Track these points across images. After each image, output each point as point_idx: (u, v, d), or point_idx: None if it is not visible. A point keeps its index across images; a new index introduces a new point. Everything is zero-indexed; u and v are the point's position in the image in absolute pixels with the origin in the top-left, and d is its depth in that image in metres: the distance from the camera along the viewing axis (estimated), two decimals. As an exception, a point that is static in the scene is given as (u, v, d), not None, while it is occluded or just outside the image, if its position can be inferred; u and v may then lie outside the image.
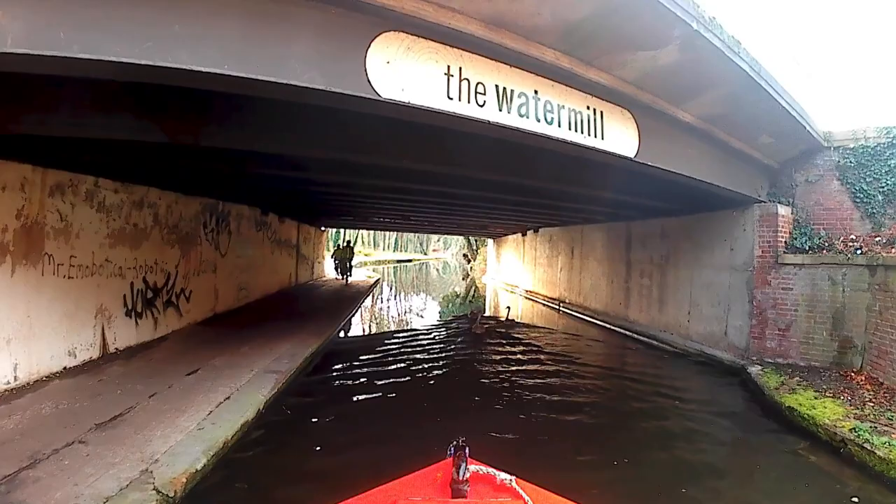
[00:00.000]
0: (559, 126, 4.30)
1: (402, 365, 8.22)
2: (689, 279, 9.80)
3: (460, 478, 1.95)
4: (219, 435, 4.28)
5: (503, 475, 2.04)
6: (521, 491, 1.97)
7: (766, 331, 7.96)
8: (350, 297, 15.58)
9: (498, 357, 9.30)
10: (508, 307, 14.80)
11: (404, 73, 3.39)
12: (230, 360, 6.74)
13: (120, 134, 4.51)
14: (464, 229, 25.72)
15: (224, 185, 8.77)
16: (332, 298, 15.14)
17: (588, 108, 4.58)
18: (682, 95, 5.42)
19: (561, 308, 16.04)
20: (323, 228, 23.43)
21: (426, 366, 8.28)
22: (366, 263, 39.50)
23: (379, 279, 25.84)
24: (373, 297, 19.66)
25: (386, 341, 10.43)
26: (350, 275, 20.90)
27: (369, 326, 13.78)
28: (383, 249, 58.00)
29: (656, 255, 11.00)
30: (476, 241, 36.07)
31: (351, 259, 21.20)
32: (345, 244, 22.74)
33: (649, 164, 5.26)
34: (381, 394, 6.58)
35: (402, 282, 33.36)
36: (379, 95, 3.25)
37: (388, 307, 19.06)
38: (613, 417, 6.03)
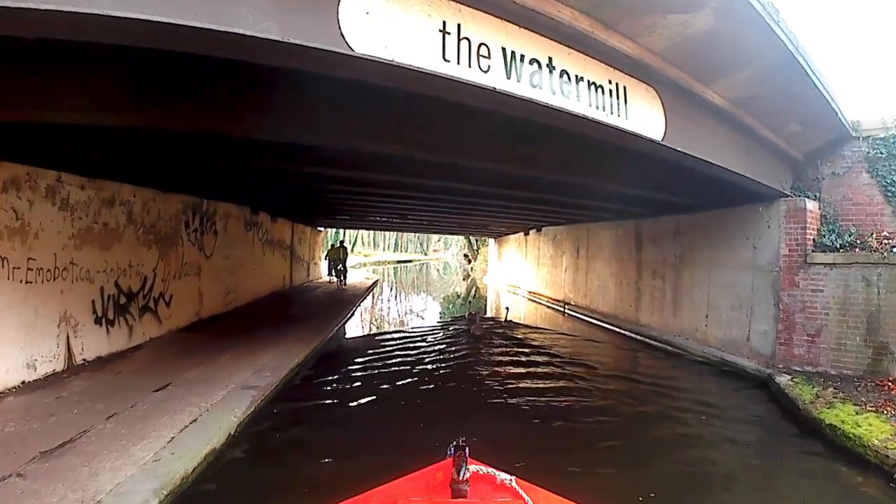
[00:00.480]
0: (578, 100, 3.66)
1: (397, 370, 7.71)
2: (707, 280, 9.15)
3: (460, 478, 1.95)
4: (176, 469, 3.63)
5: (503, 475, 2.04)
6: (521, 491, 1.97)
7: (794, 336, 7.31)
8: (346, 300, 14.98)
9: (496, 360, 8.82)
10: (507, 308, 14.22)
11: (388, 26, 2.73)
12: (205, 373, 6.09)
13: (96, 118, 3.94)
14: (465, 229, 25.06)
15: (204, 180, 8.12)
16: (326, 301, 14.53)
17: (610, 81, 3.93)
18: (712, 72, 4.78)
19: (566, 310, 15.41)
20: (320, 229, 22.66)
21: (422, 368, 7.82)
22: (365, 264, 39.02)
23: (378, 280, 25.24)
24: (372, 298, 19.00)
25: (381, 346, 9.86)
26: (345, 277, 19.30)
27: (366, 329, 13.21)
28: (383, 250, 57.39)
29: (669, 255, 10.34)
30: (477, 240, 35.42)
31: (345, 259, 19.69)
32: (338, 243, 21.65)
33: (677, 149, 4.61)
34: (371, 402, 6.08)
35: (401, 282, 32.84)
36: (352, 50, 2.59)
37: (388, 308, 18.48)
38: (629, 434, 5.38)
